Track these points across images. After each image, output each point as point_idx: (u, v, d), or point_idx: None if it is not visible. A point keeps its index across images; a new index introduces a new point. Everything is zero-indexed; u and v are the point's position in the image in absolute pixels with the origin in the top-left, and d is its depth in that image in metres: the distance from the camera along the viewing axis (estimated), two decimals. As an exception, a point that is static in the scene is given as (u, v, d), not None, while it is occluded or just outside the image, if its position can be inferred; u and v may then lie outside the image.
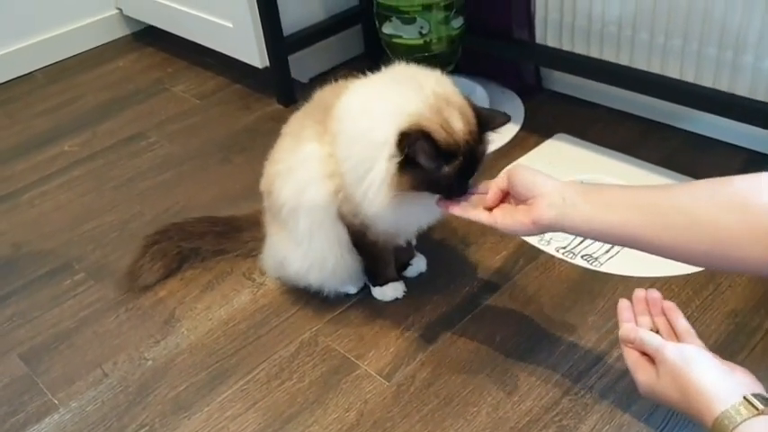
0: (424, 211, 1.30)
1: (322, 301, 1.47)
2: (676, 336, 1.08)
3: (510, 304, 1.44)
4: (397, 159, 1.12)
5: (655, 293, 1.15)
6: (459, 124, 1.13)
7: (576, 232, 1.06)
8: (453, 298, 1.46)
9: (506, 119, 1.19)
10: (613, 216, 1.02)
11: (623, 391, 1.24)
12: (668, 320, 1.12)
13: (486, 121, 1.18)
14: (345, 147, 1.21)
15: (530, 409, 1.23)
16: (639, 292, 1.16)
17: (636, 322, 1.11)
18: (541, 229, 1.07)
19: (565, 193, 1.05)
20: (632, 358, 1.05)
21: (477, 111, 1.18)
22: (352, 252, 1.37)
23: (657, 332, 1.08)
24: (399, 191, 1.15)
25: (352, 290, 1.49)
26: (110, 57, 2.61)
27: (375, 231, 1.31)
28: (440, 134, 1.11)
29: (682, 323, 1.10)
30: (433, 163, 1.13)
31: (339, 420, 1.25)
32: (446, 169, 1.14)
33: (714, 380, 0.94)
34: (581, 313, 1.39)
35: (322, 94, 1.34)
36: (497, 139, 1.85)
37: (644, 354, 1.04)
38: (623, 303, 1.14)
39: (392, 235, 1.36)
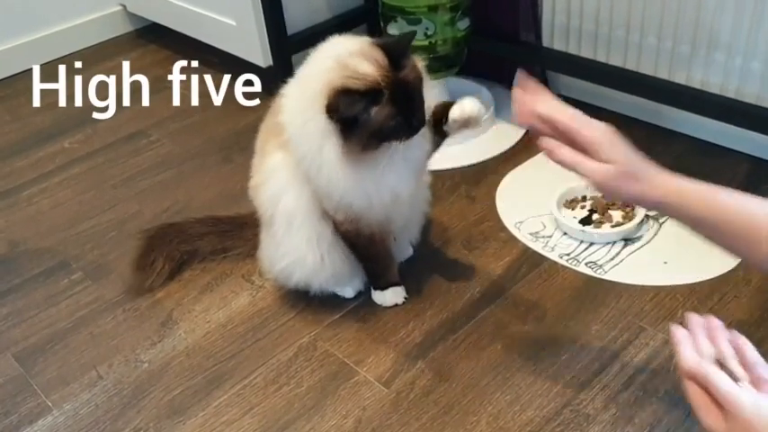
0: (387, 175, 1.25)
1: (321, 305, 1.45)
2: (745, 370, 0.87)
3: (512, 311, 1.41)
4: (337, 129, 1.15)
5: (715, 321, 0.93)
6: (366, 66, 1.14)
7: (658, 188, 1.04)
8: (455, 304, 1.44)
9: (411, 36, 1.20)
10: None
11: (626, 403, 1.22)
12: (735, 350, 0.89)
13: (393, 49, 1.16)
14: (298, 147, 1.23)
15: (531, 419, 1.21)
16: (695, 318, 0.93)
17: (697, 346, 0.90)
18: (628, 175, 1.03)
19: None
20: (697, 397, 0.85)
21: (383, 45, 1.17)
22: (336, 251, 1.36)
23: (721, 365, 0.87)
24: (356, 157, 1.17)
25: (350, 293, 1.47)
26: (112, 54, 2.59)
27: (367, 223, 1.31)
28: (350, 82, 1.13)
29: (752, 355, 0.87)
30: (360, 106, 1.13)
31: (337, 427, 1.23)
32: (376, 109, 1.14)
33: None
34: (584, 322, 1.37)
35: (274, 105, 1.35)
36: (502, 142, 1.86)
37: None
38: (677, 327, 0.92)
39: (380, 223, 1.34)
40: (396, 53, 1.16)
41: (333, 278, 1.41)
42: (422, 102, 1.19)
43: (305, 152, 1.22)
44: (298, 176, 1.28)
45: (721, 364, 0.87)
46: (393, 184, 1.26)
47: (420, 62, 1.22)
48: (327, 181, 1.22)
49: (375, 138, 1.16)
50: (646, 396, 1.22)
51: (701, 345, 0.90)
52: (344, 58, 1.15)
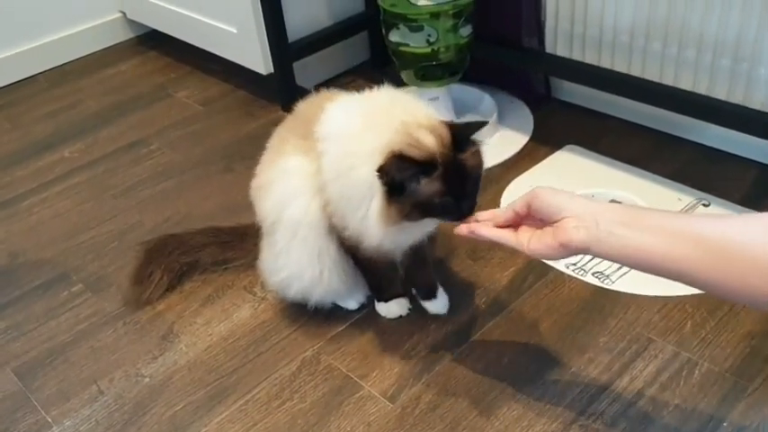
0: (415, 231, 1.27)
1: (324, 318, 1.43)
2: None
3: (518, 323, 1.39)
4: (384, 191, 1.13)
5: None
6: (429, 138, 1.12)
7: (609, 259, 0.98)
8: (460, 316, 1.42)
9: (482, 123, 1.17)
10: (653, 243, 0.92)
11: (635, 418, 1.19)
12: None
13: (460, 131, 1.15)
14: (331, 174, 1.20)
15: (538, 434, 1.19)
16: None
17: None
18: (570, 251, 0.99)
19: (599, 217, 0.97)
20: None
21: (451, 126, 1.16)
22: (337, 267, 1.34)
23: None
24: (395, 222, 1.15)
25: (353, 305, 1.45)
26: (112, 61, 2.58)
27: (367, 247, 1.28)
28: (409, 149, 1.11)
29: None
30: (408, 173, 1.11)
31: (341, 444, 1.21)
32: (425, 182, 1.12)
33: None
34: (592, 333, 1.35)
35: (304, 108, 1.34)
36: (506, 149, 1.84)
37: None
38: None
39: (386, 251, 1.32)
40: (461, 136, 1.15)
41: (330, 294, 1.39)
42: (476, 189, 1.18)
43: (340, 185, 1.20)
44: (312, 186, 1.25)
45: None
46: (404, 241, 1.28)
47: (483, 152, 1.20)
48: (357, 225, 1.20)
49: (419, 210, 1.14)
50: (656, 410, 1.20)
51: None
52: (412, 126, 1.13)
